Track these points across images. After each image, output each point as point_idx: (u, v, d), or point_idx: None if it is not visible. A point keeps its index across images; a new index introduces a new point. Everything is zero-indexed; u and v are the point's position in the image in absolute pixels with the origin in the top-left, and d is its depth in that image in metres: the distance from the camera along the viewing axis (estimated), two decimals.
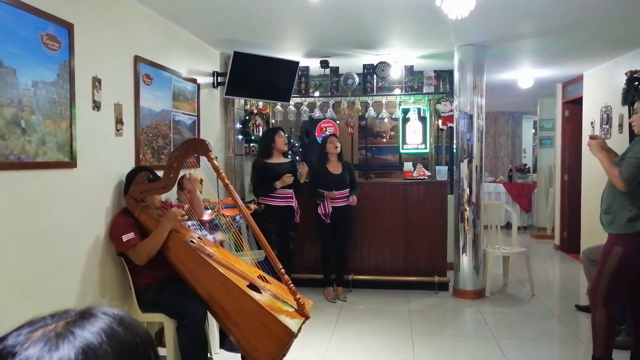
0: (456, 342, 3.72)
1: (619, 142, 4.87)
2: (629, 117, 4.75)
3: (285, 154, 4.49)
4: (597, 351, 2.75)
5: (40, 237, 2.40)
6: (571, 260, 6.44)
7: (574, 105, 6.67)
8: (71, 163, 2.61)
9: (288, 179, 4.26)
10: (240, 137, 5.20)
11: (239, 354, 2.94)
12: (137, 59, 3.28)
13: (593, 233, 5.07)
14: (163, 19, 3.69)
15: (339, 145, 4.61)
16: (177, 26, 3.93)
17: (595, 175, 5.51)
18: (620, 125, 5.00)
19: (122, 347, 0.56)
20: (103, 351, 0.54)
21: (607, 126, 5.35)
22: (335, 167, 4.61)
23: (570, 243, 6.73)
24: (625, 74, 4.65)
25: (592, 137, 2.83)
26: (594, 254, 3.57)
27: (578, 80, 6.30)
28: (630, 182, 2.55)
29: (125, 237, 2.76)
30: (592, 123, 5.78)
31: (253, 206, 4.07)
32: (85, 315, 0.58)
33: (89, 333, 0.55)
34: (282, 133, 4.42)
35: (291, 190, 4.35)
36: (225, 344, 3.31)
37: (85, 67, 2.71)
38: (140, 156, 3.34)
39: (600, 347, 2.73)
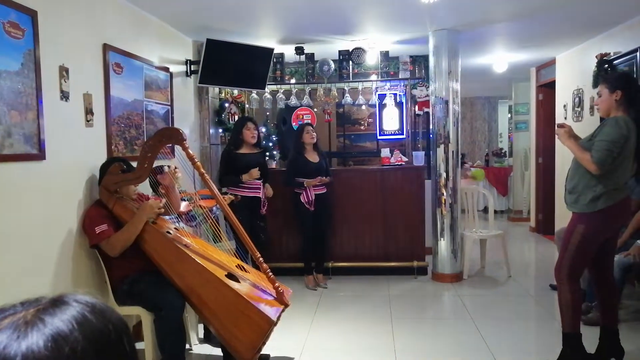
0: (435, 325, 3.77)
1: (590, 125, 4.96)
2: None
3: (256, 145, 4.36)
4: (565, 326, 2.82)
5: (9, 232, 2.33)
6: (546, 241, 6.58)
7: (547, 89, 6.77)
8: (39, 155, 2.54)
9: (255, 173, 4.20)
10: (215, 126, 5.13)
11: (220, 348, 2.94)
12: (106, 47, 3.20)
13: (567, 214, 5.17)
14: (132, 5, 3.59)
15: (314, 135, 4.58)
16: (147, 13, 3.84)
17: (568, 158, 5.59)
18: (592, 108, 5.09)
19: (94, 334, 0.56)
20: (74, 339, 0.53)
21: (579, 109, 5.45)
22: (312, 156, 4.60)
23: (545, 225, 6.87)
24: (596, 57, 4.73)
25: (559, 126, 2.88)
26: None
27: (551, 63, 6.38)
28: (603, 164, 2.60)
29: (98, 229, 2.71)
30: (564, 106, 5.88)
31: (229, 197, 4.02)
32: (56, 303, 0.57)
33: (60, 321, 0.54)
34: (250, 125, 4.27)
35: (259, 181, 4.29)
36: (211, 339, 3.29)
37: (51, 56, 2.63)
38: (113, 147, 3.27)
39: (567, 322, 2.80)
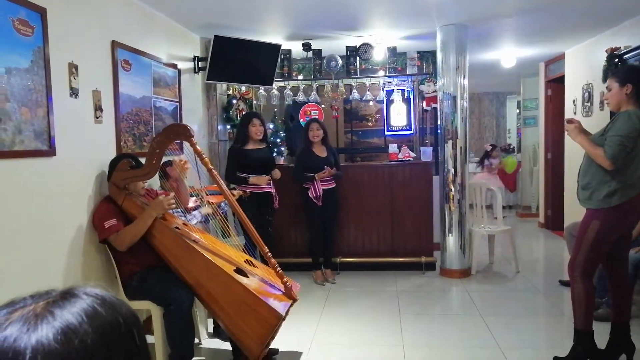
0: (443, 320, 3.77)
1: (600, 120, 4.92)
2: None
3: (262, 140, 4.35)
4: (578, 323, 2.80)
5: (20, 227, 2.35)
6: (555, 237, 6.54)
7: (556, 84, 6.71)
8: (50, 151, 2.56)
9: (264, 180, 4.21)
10: (223, 122, 5.15)
11: (229, 342, 2.95)
12: (115, 44, 3.21)
13: (576, 210, 5.14)
14: (140, 2, 3.61)
15: (319, 132, 4.57)
16: (155, 10, 3.85)
17: (577, 154, 5.56)
18: (602, 103, 5.05)
19: (104, 327, 0.56)
20: (83, 331, 0.53)
21: (589, 104, 5.40)
22: (320, 151, 4.60)
23: (554, 220, 6.83)
24: (606, 51, 4.68)
25: (568, 122, 2.84)
26: (577, 229, 3.62)
27: (560, 58, 6.33)
28: (617, 159, 2.57)
29: (107, 224, 2.73)
30: (574, 101, 5.83)
31: (237, 192, 4.03)
32: (66, 296, 0.57)
33: (69, 313, 0.54)
34: (256, 121, 4.25)
35: (269, 176, 4.31)
36: (220, 334, 3.31)
37: (60, 53, 2.65)
38: (122, 143, 3.29)
39: (580, 319, 2.79)
